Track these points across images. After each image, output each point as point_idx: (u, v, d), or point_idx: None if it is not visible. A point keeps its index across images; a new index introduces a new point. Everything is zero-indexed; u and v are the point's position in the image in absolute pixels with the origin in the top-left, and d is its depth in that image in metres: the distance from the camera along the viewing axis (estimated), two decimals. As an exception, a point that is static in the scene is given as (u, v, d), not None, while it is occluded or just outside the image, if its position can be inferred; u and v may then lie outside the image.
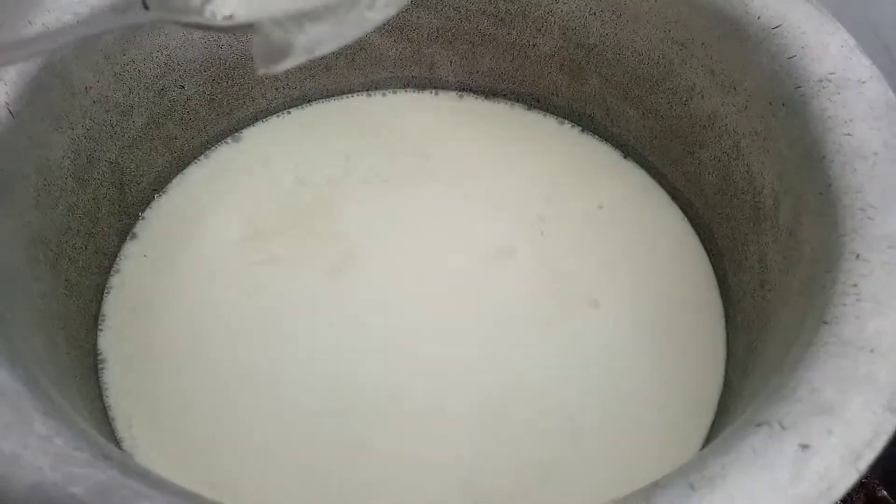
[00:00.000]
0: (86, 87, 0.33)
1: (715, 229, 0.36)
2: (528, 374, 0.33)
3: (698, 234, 0.38)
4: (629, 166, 0.40)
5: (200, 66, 0.38)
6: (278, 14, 0.24)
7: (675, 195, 0.39)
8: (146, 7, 0.24)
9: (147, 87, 0.36)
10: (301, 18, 0.24)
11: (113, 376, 0.33)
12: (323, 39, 0.24)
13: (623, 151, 0.41)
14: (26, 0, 0.30)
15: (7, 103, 0.28)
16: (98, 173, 0.34)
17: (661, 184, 0.40)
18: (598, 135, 0.41)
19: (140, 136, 0.36)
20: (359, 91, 0.43)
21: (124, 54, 0.34)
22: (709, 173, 0.36)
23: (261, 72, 0.24)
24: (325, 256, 0.37)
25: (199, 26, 0.24)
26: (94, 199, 0.34)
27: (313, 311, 0.35)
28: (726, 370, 0.33)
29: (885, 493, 0.37)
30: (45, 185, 0.31)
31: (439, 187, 0.39)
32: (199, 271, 0.36)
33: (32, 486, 0.19)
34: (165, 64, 0.36)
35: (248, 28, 0.24)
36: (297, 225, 0.38)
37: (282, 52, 0.24)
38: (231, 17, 0.24)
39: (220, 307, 0.35)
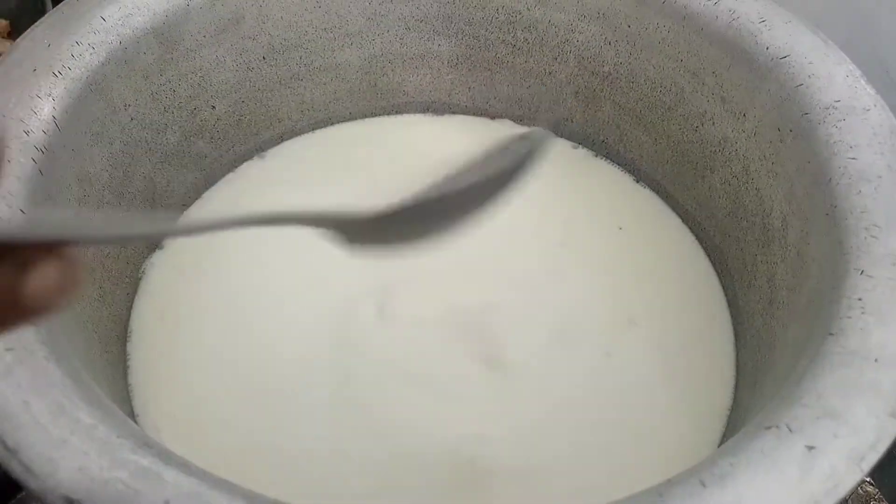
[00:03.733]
0: (125, 105, 0.34)
1: (725, 251, 0.37)
2: (567, 392, 0.34)
3: (709, 255, 0.39)
4: (642, 190, 0.42)
5: (231, 87, 0.40)
6: None
7: (687, 218, 0.40)
8: None
9: (180, 107, 0.38)
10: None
11: (140, 380, 0.34)
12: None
13: (636, 176, 0.42)
14: (75, 21, 0.32)
15: (54, 117, 0.30)
16: (133, 187, 0.36)
17: (672, 207, 0.41)
18: (611, 159, 0.43)
19: (172, 153, 0.38)
20: (380, 114, 0.45)
21: (161, 75, 0.36)
22: (719, 197, 0.37)
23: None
24: (348, 272, 0.38)
25: None
26: (127, 211, 0.36)
27: (336, 322, 0.36)
28: (736, 385, 0.34)
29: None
30: (84, 196, 0.32)
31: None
32: (225, 282, 0.37)
33: (79, 469, 0.20)
34: (198, 85, 0.38)
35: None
36: (320, 240, 0.39)
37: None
38: None
39: (246, 317, 0.36)
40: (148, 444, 0.21)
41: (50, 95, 0.30)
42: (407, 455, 0.32)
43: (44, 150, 0.29)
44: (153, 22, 0.34)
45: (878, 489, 0.39)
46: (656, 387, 0.34)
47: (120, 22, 0.33)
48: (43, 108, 0.30)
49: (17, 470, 0.20)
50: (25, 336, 0.23)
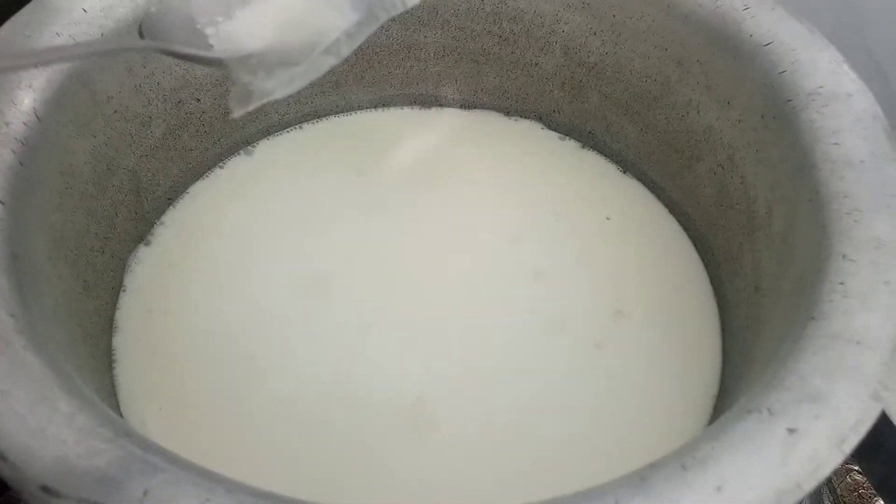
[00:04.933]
0: (108, 97, 0.34)
1: (711, 240, 0.37)
2: (557, 383, 0.34)
3: (695, 244, 0.39)
4: (628, 180, 0.42)
5: (216, 80, 0.39)
6: (251, 57, 0.25)
7: (673, 208, 0.40)
8: (141, 35, 0.25)
9: (165, 99, 0.37)
10: (267, 65, 0.25)
11: (126, 376, 0.34)
12: (282, 83, 0.26)
13: (622, 166, 0.42)
14: (55, 13, 0.32)
15: (35, 108, 0.30)
16: (116, 180, 0.36)
17: (659, 197, 0.41)
18: (598, 150, 0.43)
19: (157, 146, 0.38)
20: (367, 107, 0.45)
21: (144, 67, 0.36)
22: (705, 186, 0.37)
23: (235, 114, 0.26)
24: (336, 265, 0.38)
25: (185, 57, 0.26)
26: (112, 204, 0.35)
27: (322, 316, 0.36)
28: (722, 371, 0.34)
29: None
30: (67, 189, 0.32)
31: (448, 200, 0.41)
32: (211, 277, 0.37)
33: (57, 458, 0.20)
34: (183, 77, 0.38)
35: (219, 63, 0.25)
36: (307, 234, 0.39)
37: (247, 95, 0.26)
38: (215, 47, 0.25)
39: (231, 312, 0.36)
40: (128, 434, 0.21)
41: (30, 87, 0.30)
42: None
43: (24, 141, 0.29)
44: (135, 13, 0.34)
45: (867, 478, 0.39)
46: (645, 375, 0.34)
47: (102, 13, 0.33)
48: (23, 99, 0.29)
49: (-7, 459, 0.20)
50: (2, 327, 0.23)
